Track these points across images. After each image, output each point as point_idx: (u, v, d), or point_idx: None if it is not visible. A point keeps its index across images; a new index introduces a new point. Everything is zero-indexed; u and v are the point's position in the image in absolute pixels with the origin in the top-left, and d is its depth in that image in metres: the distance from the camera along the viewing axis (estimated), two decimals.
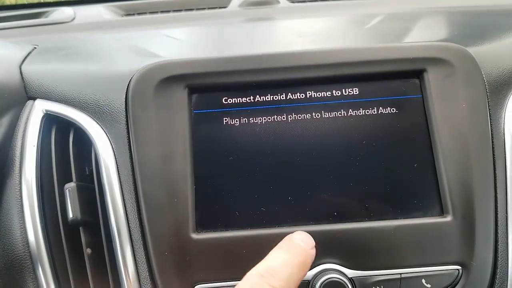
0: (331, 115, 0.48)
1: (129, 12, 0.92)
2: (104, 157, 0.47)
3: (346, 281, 0.42)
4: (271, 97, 0.49)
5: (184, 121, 0.48)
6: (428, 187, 0.46)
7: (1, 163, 0.49)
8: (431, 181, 0.46)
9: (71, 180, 0.49)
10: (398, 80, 0.49)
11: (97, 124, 0.49)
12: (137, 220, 0.46)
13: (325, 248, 0.44)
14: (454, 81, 0.48)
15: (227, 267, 0.44)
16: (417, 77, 0.49)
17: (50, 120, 0.51)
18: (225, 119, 0.48)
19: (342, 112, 0.48)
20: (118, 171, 0.47)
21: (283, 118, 0.48)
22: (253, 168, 0.47)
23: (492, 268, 0.44)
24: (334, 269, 0.43)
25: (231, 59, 0.50)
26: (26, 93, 0.53)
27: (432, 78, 0.48)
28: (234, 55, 0.50)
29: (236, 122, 0.48)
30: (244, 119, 0.48)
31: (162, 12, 0.91)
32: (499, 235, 0.45)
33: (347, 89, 0.49)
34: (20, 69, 0.55)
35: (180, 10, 0.91)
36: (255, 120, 0.48)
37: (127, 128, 0.48)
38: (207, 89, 0.49)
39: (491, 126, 0.47)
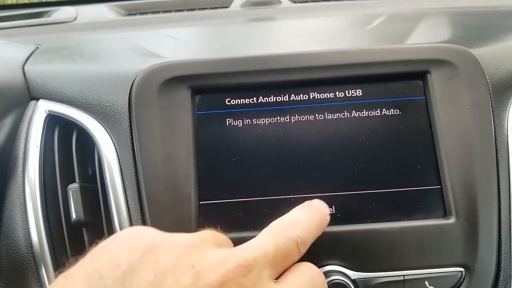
0: (334, 116, 0.48)
1: (131, 12, 0.92)
2: (107, 157, 0.47)
3: (349, 282, 0.42)
4: (274, 98, 0.49)
5: (188, 122, 0.48)
6: (432, 189, 0.46)
7: (4, 163, 0.49)
8: (435, 183, 0.46)
9: (74, 181, 0.49)
10: (401, 81, 0.49)
11: (100, 125, 0.49)
12: (140, 221, 0.46)
13: (328, 250, 0.44)
14: (457, 83, 0.48)
15: None
16: (420, 79, 0.49)
17: (53, 121, 0.51)
18: (228, 120, 0.48)
19: (345, 114, 0.48)
20: (121, 172, 0.47)
21: (286, 119, 0.48)
22: (256, 169, 0.47)
23: (496, 270, 0.44)
24: (337, 271, 0.43)
25: (234, 60, 0.50)
26: (29, 93, 0.53)
27: (436, 79, 0.48)
28: (237, 56, 0.50)
29: (239, 123, 0.48)
30: (247, 120, 0.48)
31: (164, 12, 0.91)
32: (502, 236, 0.45)
33: (350, 91, 0.49)
34: (23, 69, 0.55)
35: (182, 10, 0.91)
36: (258, 121, 0.48)
37: (130, 129, 0.48)
38: (211, 90, 0.49)
39: (494, 128, 0.47)
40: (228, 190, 0.46)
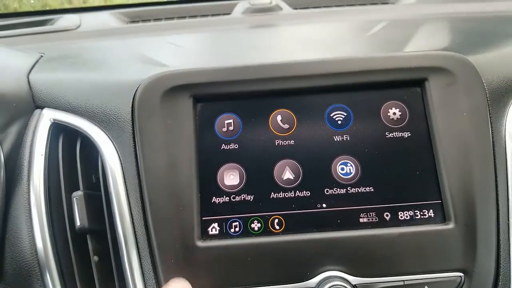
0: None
1: (134, 19, 0.92)
2: (110, 165, 0.48)
3: None
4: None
5: (190, 130, 0.48)
6: (431, 195, 0.46)
7: (10, 171, 0.50)
8: (433, 188, 0.47)
9: (78, 188, 0.50)
10: (399, 88, 0.50)
11: (103, 133, 0.50)
12: (143, 227, 0.46)
13: (329, 256, 0.45)
14: (455, 90, 0.48)
15: (232, 274, 0.45)
16: (418, 86, 0.50)
17: (58, 129, 0.52)
18: (230, 128, 0.49)
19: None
20: (124, 180, 0.48)
21: (287, 126, 0.49)
22: (258, 177, 0.48)
23: (495, 274, 0.45)
24: (338, 276, 0.44)
25: (235, 69, 0.50)
26: (34, 102, 0.54)
27: (434, 86, 0.49)
28: (238, 65, 0.51)
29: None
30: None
31: (166, 19, 0.91)
32: (501, 241, 0.45)
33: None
34: (28, 78, 0.56)
35: (184, 17, 0.91)
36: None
37: (133, 137, 0.49)
38: (212, 99, 0.50)
39: (492, 134, 0.48)
40: (230, 197, 0.47)
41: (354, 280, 0.44)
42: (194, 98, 0.50)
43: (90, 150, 0.51)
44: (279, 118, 0.50)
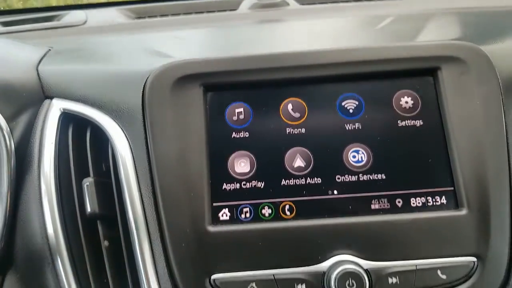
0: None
1: (140, 15, 0.92)
2: (121, 153, 0.48)
3: (362, 272, 0.42)
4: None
5: (200, 119, 0.49)
6: (443, 182, 0.46)
7: (20, 159, 0.50)
8: (446, 175, 0.46)
9: (88, 176, 0.50)
10: (412, 78, 0.50)
11: (114, 122, 0.50)
12: (154, 213, 0.46)
13: (340, 240, 0.44)
14: (468, 79, 0.48)
15: (243, 259, 0.45)
16: (431, 75, 0.50)
17: (67, 119, 0.52)
18: (241, 117, 0.49)
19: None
20: (135, 167, 0.48)
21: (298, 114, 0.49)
22: (268, 164, 0.48)
23: (508, 259, 0.44)
24: (350, 260, 0.44)
25: (245, 58, 0.51)
26: (43, 92, 0.54)
27: (446, 76, 0.49)
28: (248, 54, 0.51)
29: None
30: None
31: (172, 15, 0.92)
32: None
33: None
34: (37, 69, 0.57)
35: (190, 13, 0.91)
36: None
37: (144, 126, 0.49)
38: (222, 88, 0.50)
39: (505, 122, 0.47)
40: (241, 183, 0.47)
41: (365, 264, 0.44)
42: (204, 87, 0.50)
43: (100, 139, 0.51)
44: (290, 107, 0.50)
